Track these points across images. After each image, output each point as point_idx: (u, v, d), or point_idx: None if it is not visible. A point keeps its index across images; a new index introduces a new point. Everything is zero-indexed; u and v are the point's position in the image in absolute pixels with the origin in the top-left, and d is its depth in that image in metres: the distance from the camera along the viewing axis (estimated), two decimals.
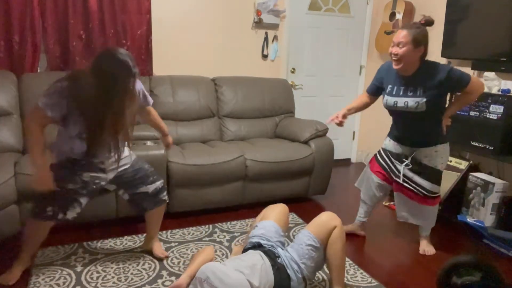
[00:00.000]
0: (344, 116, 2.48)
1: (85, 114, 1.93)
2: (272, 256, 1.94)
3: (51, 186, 1.97)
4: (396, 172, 2.56)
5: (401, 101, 2.34)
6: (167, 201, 2.41)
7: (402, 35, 2.20)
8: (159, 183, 2.32)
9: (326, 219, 2.04)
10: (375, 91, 2.57)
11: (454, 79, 2.24)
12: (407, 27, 2.22)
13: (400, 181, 2.53)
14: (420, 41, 2.19)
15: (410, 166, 2.49)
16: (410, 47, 2.19)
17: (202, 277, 1.70)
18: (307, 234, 2.01)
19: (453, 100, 2.46)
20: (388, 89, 2.42)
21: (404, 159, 2.52)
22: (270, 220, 2.13)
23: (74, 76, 1.95)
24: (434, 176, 2.47)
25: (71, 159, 2.05)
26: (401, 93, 2.35)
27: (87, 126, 1.96)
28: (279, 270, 1.90)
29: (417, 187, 2.49)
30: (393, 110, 2.44)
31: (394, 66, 2.29)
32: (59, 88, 1.92)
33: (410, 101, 2.31)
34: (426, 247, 2.65)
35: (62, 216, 2.07)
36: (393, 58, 2.26)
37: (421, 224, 2.64)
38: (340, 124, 2.47)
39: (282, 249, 2.03)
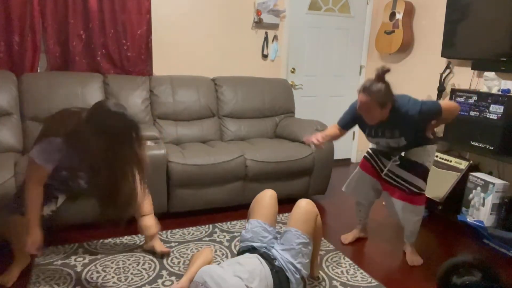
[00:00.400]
0: (323, 138, 2.38)
1: (93, 174, 1.87)
2: (269, 259, 1.93)
3: (42, 249, 1.94)
4: (383, 168, 2.53)
5: (382, 141, 2.41)
6: (148, 195, 2.37)
7: (365, 101, 2.17)
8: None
9: (308, 208, 2.05)
10: (348, 125, 2.50)
11: (426, 113, 2.23)
12: (367, 91, 2.14)
13: (382, 175, 2.50)
14: (384, 101, 2.16)
15: (398, 162, 2.46)
16: (377, 109, 2.18)
17: (199, 281, 1.71)
18: (295, 233, 1.98)
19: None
20: (367, 131, 2.44)
21: (392, 156, 2.50)
22: (256, 219, 2.10)
23: (71, 134, 1.87)
24: (422, 172, 2.42)
25: None
26: (379, 135, 2.37)
27: (95, 186, 1.91)
28: (278, 273, 1.89)
29: (404, 183, 2.41)
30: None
31: (368, 123, 2.30)
32: (55, 145, 1.87)
33: (391, 142, 2.36)
34: (413, 257, 2.54)
35: None
36: (364, 117, 2.26)
37: (406, 226, 2.52)
38: (319, 146, 2.38)
39: (277, 250, 2.00)
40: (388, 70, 2.17)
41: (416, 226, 2.51)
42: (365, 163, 2.65)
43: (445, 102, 2.31)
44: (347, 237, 2.77)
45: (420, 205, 2.43)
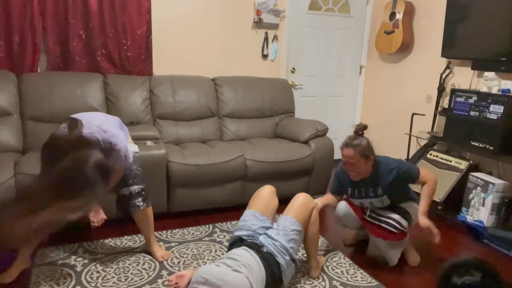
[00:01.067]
0: (321, 204, 2.46)
1: None
2: (256, 248, 1.96)
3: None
4: (365, 210, 2.49)
5: (366, 202, 2.43)
6: (141, 207, 2.30)
7: (350, 155, 2.24)
8: (135, 188, 2.26)
9: (305, 201, 2.18)
10: (337, 191, 2.57)
11: (403, 175, 2.29)
12: (350, 144, 2.23)
13: (366, 216, 2.45)
14: (367, 154, 2.25)
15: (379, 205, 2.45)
16: (362, 162, 2.24)
17: (201, 280, 1.70)
18: (290, 220, 2.09)
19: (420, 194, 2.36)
20: (349, 192, 2.47)
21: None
22: (249, 210, 2.18)
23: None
24: (403, 213, 2.38)
25: None
26: (363, 195, 2.41)
27: None
28: (268, 260, 1.93)
29: (386, 219, 2.36)
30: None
31: (354, 179, 2.34)
32: None
33: (374, 201, 2.40)
34: (413, 256, 2.53)
35: None
36: (350, 173, 2.32)
37: (388, 256, 2.48)
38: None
39: (265, 236, 2.04)
40: (365, 127, 2.29)
41: (397, 255, 2.47)
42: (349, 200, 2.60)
43: (424, 170, 2.35)
44: (348, 238, 2.76)
45: (402, 239, 2.39)
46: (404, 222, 2.35)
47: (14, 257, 2.16)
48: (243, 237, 2.05)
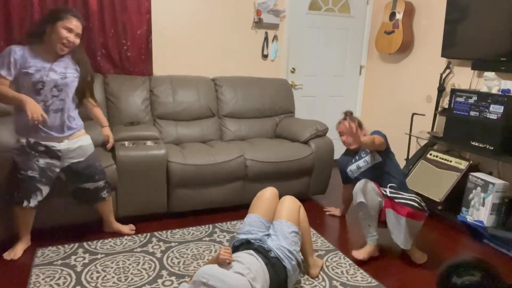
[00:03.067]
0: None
1: None
2: (263, 252, 1.95)
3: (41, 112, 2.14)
4: (385, 192, 2.51)
5: (361, 163, 2.67)
6: (106, 198, 2.55)
7: (348, 123, 2.40)
8: (101, 183, 2.49)
9: (292, 203, 2.22)
10: (348, 178, 2.87)
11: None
12: (347, 118, 2.79)
13: (388, 194, 2.47)
14: (360, 124, 2.81)
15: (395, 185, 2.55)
16: (358, 130, 2.45)
17: (202, 281, 1.68)
18: (285, 223, 2.10)
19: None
20: (349, 169, 2.79)
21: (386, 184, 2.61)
22: (255, 214, 2.18)
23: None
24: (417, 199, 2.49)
25: (30, 144, 2.25)
26: (357, 158, 2.73)
27: None
28: (274, 266, 1.92)
29: (408, 196, 2.47)
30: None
31: (349, 147, 2.76)
32: (8, 50, 2.15)
33: (367, 158, 2.64)
34: (418, 254, 2.55)
35: (26, 204, 2.26)
36: (346, 140, 2.76)
37: (402, 238, 2.46)
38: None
39: (272, 241, 2.04)
40: (352, 113, 2.87)
41: (411, 239, 2.48)
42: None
43: (381, 137, 2.55)
44: (360, 253, 2.53)
45: (421, 221, 2.48)
46: (423, 204, 2.48)
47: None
48: (250, 240, 2.05)
